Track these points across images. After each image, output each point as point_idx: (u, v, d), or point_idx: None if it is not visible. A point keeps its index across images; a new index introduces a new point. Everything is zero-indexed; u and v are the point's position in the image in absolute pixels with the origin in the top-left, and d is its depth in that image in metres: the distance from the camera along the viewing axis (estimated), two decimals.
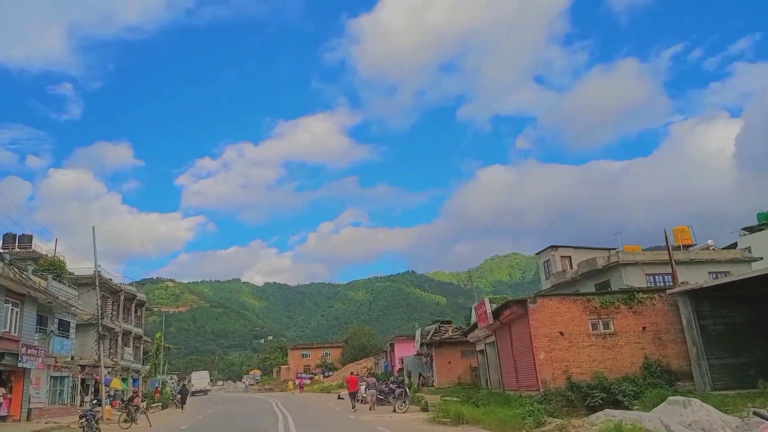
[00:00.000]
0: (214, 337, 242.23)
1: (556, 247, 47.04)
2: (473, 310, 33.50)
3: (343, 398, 47.56)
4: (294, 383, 71.46)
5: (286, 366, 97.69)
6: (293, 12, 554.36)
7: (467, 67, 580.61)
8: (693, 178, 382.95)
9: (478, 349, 33.87)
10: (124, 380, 50.48)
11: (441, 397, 29.14)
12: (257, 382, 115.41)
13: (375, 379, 34.06)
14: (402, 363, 52.32)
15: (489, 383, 31.15)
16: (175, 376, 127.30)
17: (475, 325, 33.96)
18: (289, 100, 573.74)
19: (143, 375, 59.55)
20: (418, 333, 41.04)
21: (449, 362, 38.05)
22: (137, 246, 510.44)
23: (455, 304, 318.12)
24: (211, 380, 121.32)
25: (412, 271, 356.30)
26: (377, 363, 68.73)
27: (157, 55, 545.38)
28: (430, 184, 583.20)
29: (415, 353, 44.86)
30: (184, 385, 51.35)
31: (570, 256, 47.17)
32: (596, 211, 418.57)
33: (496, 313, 25.07)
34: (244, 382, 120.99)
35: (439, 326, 40.71)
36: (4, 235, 47.45)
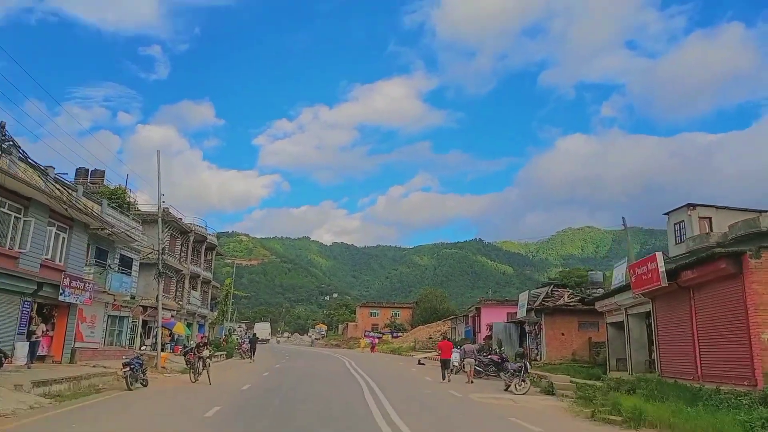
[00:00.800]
0: (283, 291, 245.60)
1: (694, 206, 38.52)
2: (625, 270, 26.06)
3: (423, 363, 41.52)
4: (366, 341, 66.22)
5: (353, 323, 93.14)
6: None
7: (553, 31, 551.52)
8: None
9: (609, 321, 26.54)
10: (189, 325, 46.35)
11: (569, 378, 22.20)
12: (323, 337, 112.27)
13: (474, 347, 27.54)
14: (490, 330, 45.55)
15: (628, 364, 23.90)
16: (243, 325, 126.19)
17: (610, 293, 26.57)
18: (366, 63, 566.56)
19: (210, 321, 55.68)
20: (524, 296, 33.99)
21: (562, 334, 30.97)
22: (215, 201, 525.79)
23: (522, 275, 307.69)
24: (278, 332, 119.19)
25: (480, 239, 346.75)
26: (454, 328, 62.30)
27: (239, 19, 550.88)
28: (504, 152, 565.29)
29: (515, 320, 37.98)
30: (254, 335, 46.71)
31: (710, 218, 38.64)
32: (684, 185, 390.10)
33: (673, 273, 17.80)
34: (309, 336, 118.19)
35: (551, 290, 33.48)
36: (77, 169, 44.14)
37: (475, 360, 26.84)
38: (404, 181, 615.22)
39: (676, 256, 37.73)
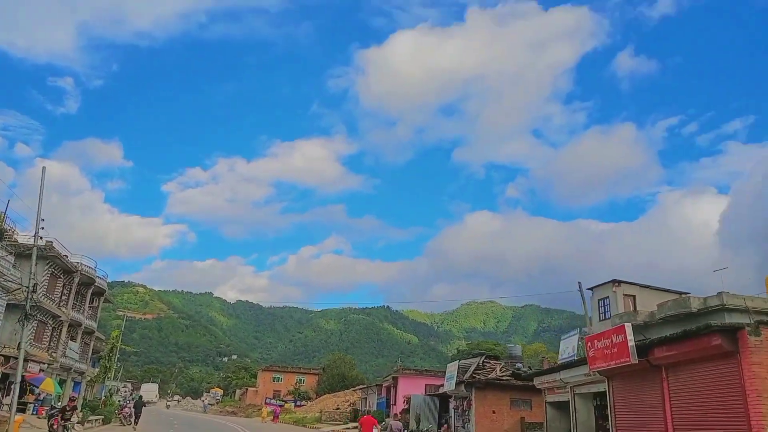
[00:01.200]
0: (177, 350, 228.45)
1: (619, 282, 37.50)
2: (576, 343, 23.69)
3: None
4: (268, 410, 59.72)
5: (254, 388, 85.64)
6: (304, 37, 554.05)
7: (468, 112, 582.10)
8: (676, 249, 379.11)
9: (550, 400, 23.89)
10: (61, 382, 39.21)
11: None
12: (218, 402, 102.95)
13: (400, 424, 23.84)
14: (407, 403, 41.80)
15: None
16: (129, 385, 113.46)
17: (555, 368, 24.05)
18: (288, 121, 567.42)
19: (89, 378, 47.97)
20: (452, 367, 30.79)
21: (493, 412, 27.90)
22: (112, 246, 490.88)
23: (426, 345, 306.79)
24: (168, 394, 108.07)
25: (387, 306, 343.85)
26: (365, 398, 57.74)
27: (162, 62, 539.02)
28: (416, 222, 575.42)
29: (436, 393, 34.61)
30: (140, 397, 40.15)
31: (635, 296, 37.70)
32: (578, 270, 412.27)
33: (644, 348, 15.48)
34: (203, 401, 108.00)
35: (482, 361, 30.49)
36: None
37: None
38: (316, 242, 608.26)
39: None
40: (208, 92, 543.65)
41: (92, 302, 46.40)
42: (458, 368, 29.64)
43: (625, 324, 16.46)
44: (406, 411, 40.57)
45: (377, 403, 50.81)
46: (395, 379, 45.26)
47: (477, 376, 28.81)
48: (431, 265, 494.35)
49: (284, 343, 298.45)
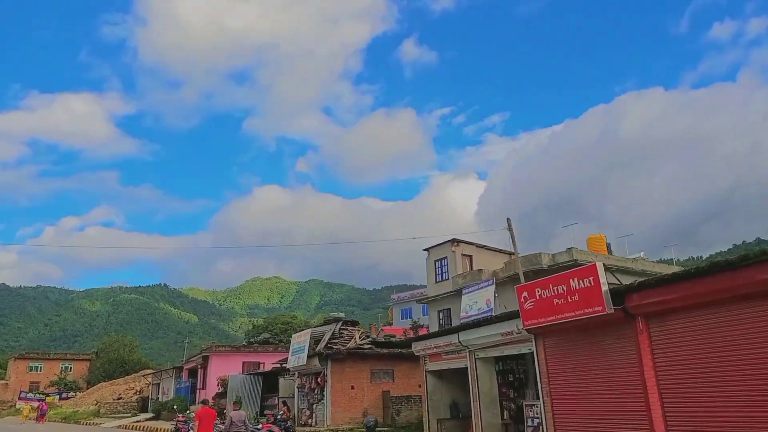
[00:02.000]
0: None
1: (458, 242, 35.51)
2: (491, 296, 19.57)
3: None
4: (30, 406, 45.84)
5: (2, 381, 68.02)
6: None
7: (260, 81, 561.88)
8: (442, 227, 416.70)
9: (431, 369, 19.72)
10: None
11: None
12: None
13: (243, 414, 17.83)
14: (222, 386, 34.73)
15: (475, 427, 17.24)
16: None
17: (448, 329, 19.95)
18: (50, 69, 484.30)
19: None
20: (302, 337, 24.55)
21: (352, 387, 22.90)
22: None
23: (207, 324, 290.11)
24: None
25: (165, 284, 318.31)
26: (157, 384, 48.27)
27: None
28: (200, 194, 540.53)
29: (260, 372, 28.29)
30: None
31: (471, 256, 36.16)
32: (361, 245, 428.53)
33: (619, 295, 11.87)
34: None
35: (339, 328, 24.91)
36: None
37: None
38: (82, 213, 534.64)
39: (439, 295, 34.16)
40: None
41: None
42: (311, 337, 23.91)
43: (596, 263, 12.70)
44: (222, 395, 33.66)
45: (177, 389, 42.29)
46: (206, 358, 37.51)
47: (333, 346, 23.53)
48: (215, 240, 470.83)
49: (38, 328, 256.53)
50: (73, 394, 60.49)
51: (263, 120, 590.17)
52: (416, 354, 20.33)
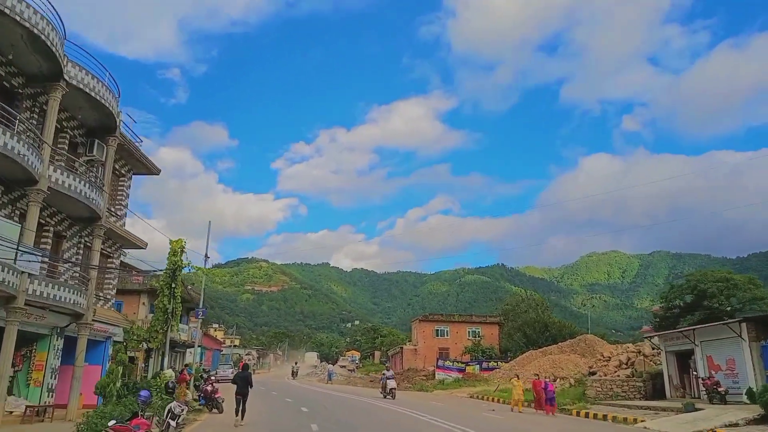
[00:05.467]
0: (303, 318, 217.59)
1: None
2: None
3: None
4: (516, 379, 27.04)
5: (411, 347, 60.12)
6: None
7: (573, 43, 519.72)
8: None
9: None
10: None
11: None
12: (357, 368, 79.60)
13: None
14: None
15: None
16: (253, 352, 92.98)
17: None
18: (382, 81, 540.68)
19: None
20: None
21: None
22: (231, 225, 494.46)
23: (549, 301, 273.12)
24: (297, 361, 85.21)
25: (502, 264, 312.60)
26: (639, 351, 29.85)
27: (257, 44, 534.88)
28: (525, 174, 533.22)
29: None
30: (246, 366, 14.83)
31: None
32: (712, 207, 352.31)
33: None
34: (343, 366, 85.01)
35: None
36: None
37: None
38: (423, 204, 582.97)
39: None
40: (302, 67, 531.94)
41: None
42: None
43: None
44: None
45: None
46: None
47: None
48: (545, 217, 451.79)
49: (402, 307, 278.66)
50: (495, 364, 47.55)
51: (581, 85, 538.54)
52: None
